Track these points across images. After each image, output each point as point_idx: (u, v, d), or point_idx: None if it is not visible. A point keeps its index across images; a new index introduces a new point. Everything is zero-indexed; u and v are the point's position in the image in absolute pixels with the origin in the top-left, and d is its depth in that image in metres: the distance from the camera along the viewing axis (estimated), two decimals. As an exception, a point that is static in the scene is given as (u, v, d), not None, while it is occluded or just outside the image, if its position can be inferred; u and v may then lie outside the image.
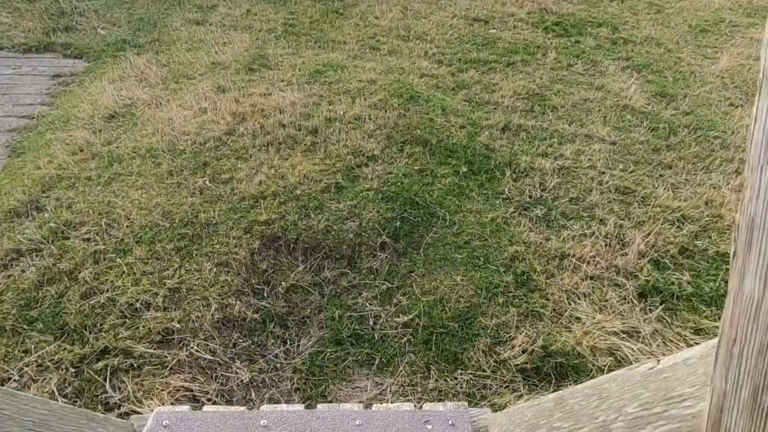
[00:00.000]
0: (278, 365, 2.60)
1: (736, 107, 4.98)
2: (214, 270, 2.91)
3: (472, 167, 3.86)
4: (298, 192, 3.49)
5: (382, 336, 2.75)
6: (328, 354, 2.67)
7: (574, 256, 3.10)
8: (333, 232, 3.23)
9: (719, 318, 2.85)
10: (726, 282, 2.95)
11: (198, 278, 2.86)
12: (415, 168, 3.80)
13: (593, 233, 3.29)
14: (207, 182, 3.55)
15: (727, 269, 3.05)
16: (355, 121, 4.33)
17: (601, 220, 3.42)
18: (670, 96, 5.11)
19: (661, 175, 3.95)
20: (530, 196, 3.60)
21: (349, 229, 3.25)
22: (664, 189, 3.74)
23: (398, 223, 3.31)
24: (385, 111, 4.48)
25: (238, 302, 2.79)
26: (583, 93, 5.06)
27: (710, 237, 3.31)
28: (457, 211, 3.45)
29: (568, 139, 4.34)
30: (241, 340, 2.66)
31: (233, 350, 2.61)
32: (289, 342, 2.73)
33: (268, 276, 3.01)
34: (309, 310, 2.90)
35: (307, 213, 3.34)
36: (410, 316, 2.80)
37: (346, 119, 4.34)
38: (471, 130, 4.32)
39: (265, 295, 2.92)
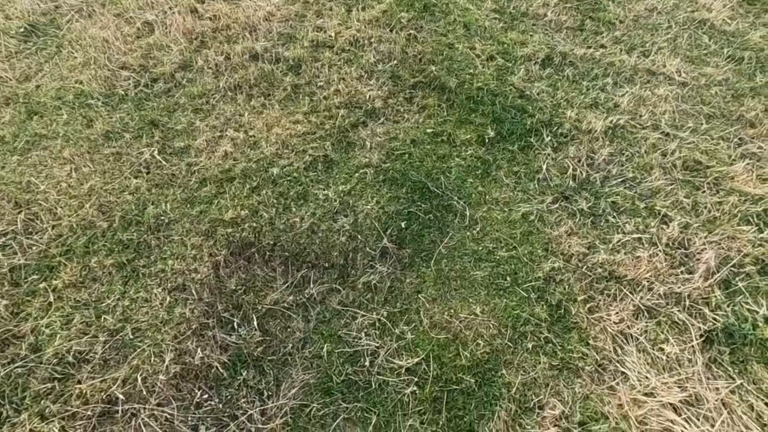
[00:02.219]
0: (253, 430, 2.13)
1: None
2: (168, 298, 2.28)
3: (502, 129, 2.97)
4: (275, 172, 2.68)
5: (380, 384, 2.23)
6: (315, 409, 2.18)
7: (625, 278, 2.44)
8: (320, 234, 2.52)
9: None
10: (812, 318, 2.35)
11: (147, 312, 2.24)
12: (428, 130, 2.92)
13: (651, 239, 2.59)
14: (155, 153, 2.72)
15: (815, 297, 2.43)
16: (351, 48, 3.29)
17: (663, 217, 2.68)
18: (761, 4, 3.92)
19: (740, 140, 3.08)
20: (574, 177, 2.80)
21: (340, 229, 2.54)
22: (745, 163, 2.92)
23: (404, 223, 2.58)
24: (391, 30, 3.40)
25: (201, 344, 2.21)
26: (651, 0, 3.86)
27: (797, 244, 2.62)
28: (480, 203, 2.68)
29: (627, 78, 3.35)
30: (205, 398, 2.15)
31: (196, 414, 2.11)
32: (266, 393, 2.22)
33: (238, 298, 2.39)
34: (291, 344, 2.34)
35: (287, 205, 2.59)
36: (416, 359, 2.26)
37: (339, 45, 3.29)
38: (502, 63, 3.30)
39: (235, 325, 2.33)
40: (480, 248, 2.53)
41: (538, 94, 3.16)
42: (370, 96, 3.01)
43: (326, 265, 2.51)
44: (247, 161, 2.70)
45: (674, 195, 2.77)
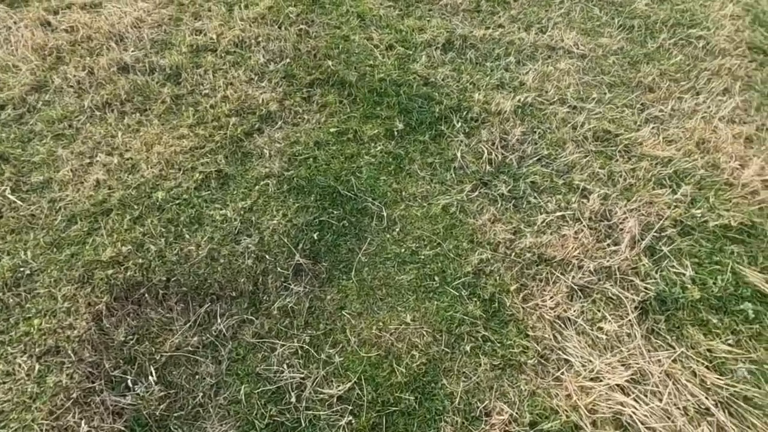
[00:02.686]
0: (164, 506, 1.78)
1: (716, -13, 4.05)
2: (37, 367, 1.87)
3: (411, 120, 2.79)
4: (161, 196, 2.32)
5: (310, 420, 1.95)
6: (238, 467, 1.86)
7: (555, 259, 2.33)
8: (222, 260, 2.20)
9: (732, 333, 2.34)
10: (734, 272, 2.36)
11: (10, 389, 1.82)
12: (332, 130, 2.68)
13: (574, 215, 2.50)
14: (7, 193, 2.27)
15: (733, 251, 2.46)
16: (236, 49, 2.97)
17: (583, 191, 2.61)
18: (641, -26, 4.04)
19: (643, 105, 3.11)
20: (490, 162, 2.67)
21: (245, 251, 2.23)
22: (650, 128, 2.94)
23: (316, 234, 2.31)
24: (279, 27, 3.12)
25: (86, 415, 1.83)
26: (539, -24, 3.86)
27: (708, 200, 2.64)
28: (396, 201, 2.48)
29: (528, 56, 3.29)
30: (99, 480, 1.77)
31: (88, 503, 1.73)
32: (177, 459, 1.88)
33: (130, 350, 2.02)
34: (201, 393, 2.00)
35: (179, 233, 2.24)
36: (347, 385, 2.00)
37: (223, 47, 2.96)
38: (402, 52, 3.13)
39: (129, 383, 1.96)
40: (402, 250, 2.33)
41: (443, 79, 3.02)
42: (263, 99, 2.72)
43: (233, 294, 2.20)
44: (124, 188, 2.31)
45: (590, 167, 2.72)
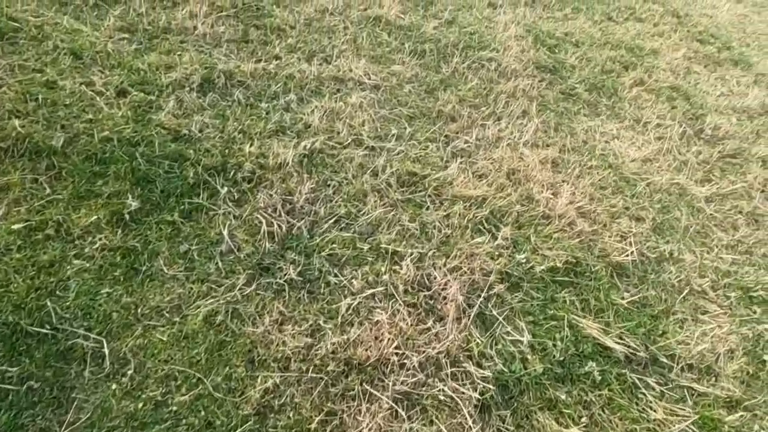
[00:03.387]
0: None
1: (497, 8, 4.02)
2: None
3: (151, 193, 1.98)
4: None
5: None
6: None
7: (368, 363, 1.72)
8: None
9: (583, 407, 1.97)
10: (570, 325, 2.02)
11: None
12: (16, 226, 1.74)
13: (386, 290, 1.94)
14: None
15: (564, 299, 2.13)
16: None
17: (393, 255, 2.07)
18: (426, -4, 3.82)
19: (447, 137, 2.74)
20: (272, 236, 1.99)
21: None
22: (458, 163, 2.57)
23: (-28, 420, 1.36)
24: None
25: None
26: None
27: (530, 240, 2.31)
28: (128, 324, 1.63)
29: (313, 91, 2.72)
30: None
31: None
32: None
33: None
34: None
35: None
36: None
37: None
38: (141, 98, 2.31)
39: None
40: (140, 407, 1.49)
41: (200, 130, 2.27)
42: None
43: None
44: None
45: (398, 222, 2.20)
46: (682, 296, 2.31)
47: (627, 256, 2.38)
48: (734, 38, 4.76)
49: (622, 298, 2.21)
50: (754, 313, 2.37)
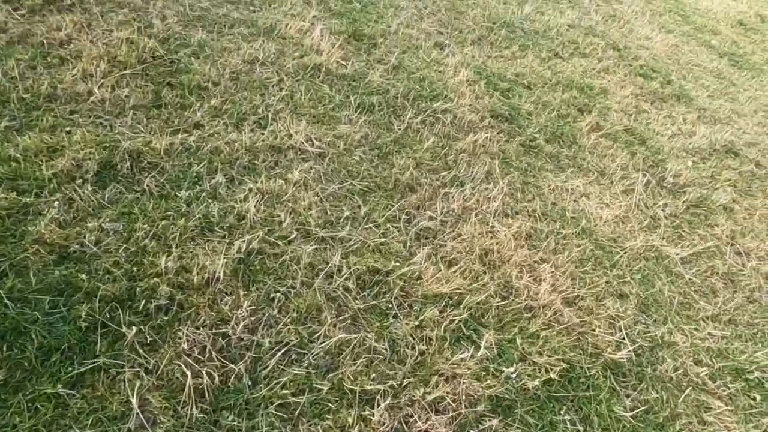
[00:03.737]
0: None
1: (443, 48, 3.72)
2: None
3: (24, 351, 1.42)
4: None
5: None
6: None
7: None
8: None
9: None
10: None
11: None
12: None
13: (357, 454, 1.50)
14: None
15: (564, 421, 1.79)
16: None
17: (361, 396, 1.64)
18: (367, 38, 3.44)
19: (408, 215, 2.36)
20: (200, 394, 1.49)
21: None
22: (426, 250, 2.18)
23: None
24: None
25: None
26: (245, 47, 2.88)
27: (516, 346, 1.96)
28: None
29: (245, 167, 2.24)
30: None
31: None
32: None
33: None
34: None
35: None
36: None
37: None
38: (11, 200, 1.73)
39: None
40: None
41: (97, 242, 1.73)
42: None
43: None
44: None
45: (363, 344, 1.78)
46: (684, 395, 2.05)
47: (621, 350, 2.10)
48: (672, 71, 4.77)
49: (625, 409, 1.91)
50: (754, 400, 2.16)
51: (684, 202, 3.12)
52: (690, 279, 2.63)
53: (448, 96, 3.18)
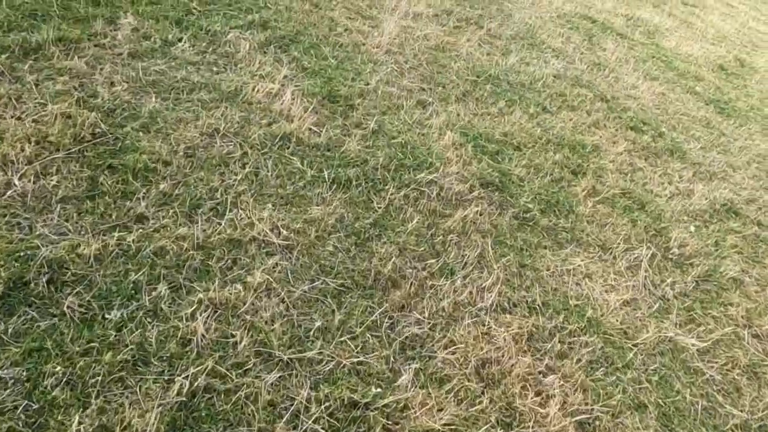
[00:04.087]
0: None
1: (426, 107, 3.45)
2: None
3: None
4: None
5: None
6: None
7: None
8: None
9: None
10: None
11: None
12: None
13: None
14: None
15: None
16: None
17: None
18: (344, 99, 3.15)
19: (391, 320, 2.01)
20: None
21: None
22: (412, 370, 1.83)
23: None
24: None
25: None
26: (204, 116, 2.56)
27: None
28: None
29: (197, 271, 1.88)
30: None
31: None
32: None
33: None
34: None
35: None
36: None
37: None
38: None
39: None
40: None
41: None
42: None
43: None
44: None
45: None
46: None
47: (648, 489, 1.76)
48: (662, 122, 4.60)
49: None
50: None
51: (693, 277, 2.84)
52: (711, 377, 2.32)
53: (433, 164, 2.88)
